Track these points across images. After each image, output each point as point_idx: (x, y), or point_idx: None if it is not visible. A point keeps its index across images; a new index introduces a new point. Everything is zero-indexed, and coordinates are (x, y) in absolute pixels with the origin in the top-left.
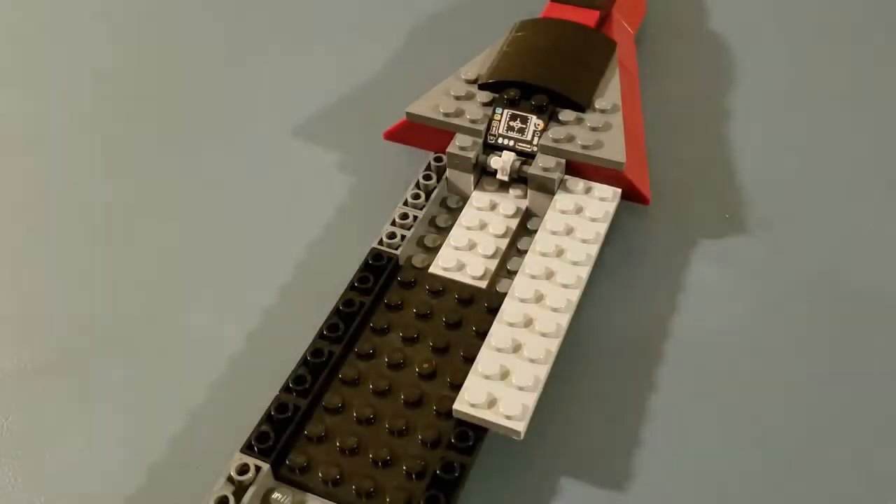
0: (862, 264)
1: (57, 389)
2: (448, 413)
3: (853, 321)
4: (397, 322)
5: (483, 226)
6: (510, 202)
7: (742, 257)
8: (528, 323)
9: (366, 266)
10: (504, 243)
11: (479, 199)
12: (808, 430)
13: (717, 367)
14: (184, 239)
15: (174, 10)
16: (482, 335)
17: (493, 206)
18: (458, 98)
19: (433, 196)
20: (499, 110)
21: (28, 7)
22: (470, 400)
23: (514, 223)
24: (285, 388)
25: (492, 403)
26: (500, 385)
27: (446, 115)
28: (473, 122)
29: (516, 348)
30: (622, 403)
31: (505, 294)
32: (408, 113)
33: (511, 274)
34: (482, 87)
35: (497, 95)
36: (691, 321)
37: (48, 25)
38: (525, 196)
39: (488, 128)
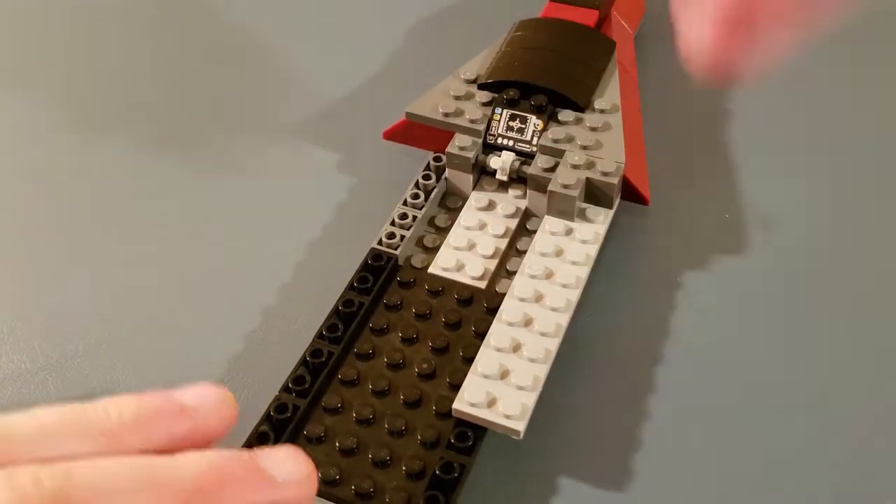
0: (862, 264)
1: (57, 390)
2: (447, 413)
3: (853, 321)
4: (396, 322)
5: (482, 226)
6: (509, 202)
7: (742, 257)
8: (528, 322)
9: (365, 266)
10: (503, 243)
11: (478, 199)
12: (808, 430)
13: (716, 367)
14: (183, 238)
15: (172, 11)
16: (481, 335)
17: (493, 206)
18: (457, 98)
19: (432, 196)
20: (498, 110)
21: (29, 6)
22: (469, 399)
23: (513, 223)
24: (285, 389)
25: (491, 403)
26: (500, 384)
27: (446, 114)
28: (473, 122)
29: (516, 348)
30: (622, 403)
31: (504, 294)
32: (407, 113)
33: (510, 274)
34: (481, 86)
35: (496, 95)
36: (691, 321)
37: (49, 25)
38: (524, 196)
39: (488, 128)
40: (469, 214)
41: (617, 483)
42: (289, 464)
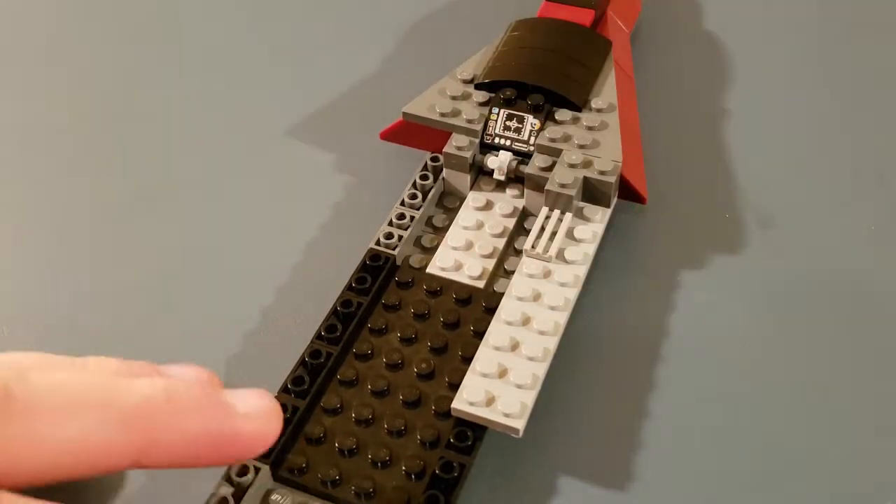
0: (862, 264)
1: None
2: (446, 413)
3: (853, 320)
4: (395, 322)
5: (480, 226)
6: (507, 202)
7: (741, 257)
8: (527, 321)
9: (363, 267)
10: (501, 243)
11: (475, 198)
12: (808, 430)
13: (716, 367)
14: (181, 240)
15: (171, 12)
16: (480, 335)
17: (490, 206)
18: (454, 98)
19: (430, 196)
20: (495, 110)
21: (25, 9)
22: (468, 398)
23: (511, 223)
24: (283, 390)
25: (490, 402)
26: (499, 383)
27: (443, 114)
28: (470, 121)
29: (514, 347)
30: (622, 403)
31: (502, 294)
32: (404, 113)
33: (508, 274)
34: (478, 86)
35: (493, 95)
36: (691, 321)
37: (46, 27)
38: (522, 196)
39: (485, 127)
40: (467, 214)
41: (617, 483)
42: (253, 398)
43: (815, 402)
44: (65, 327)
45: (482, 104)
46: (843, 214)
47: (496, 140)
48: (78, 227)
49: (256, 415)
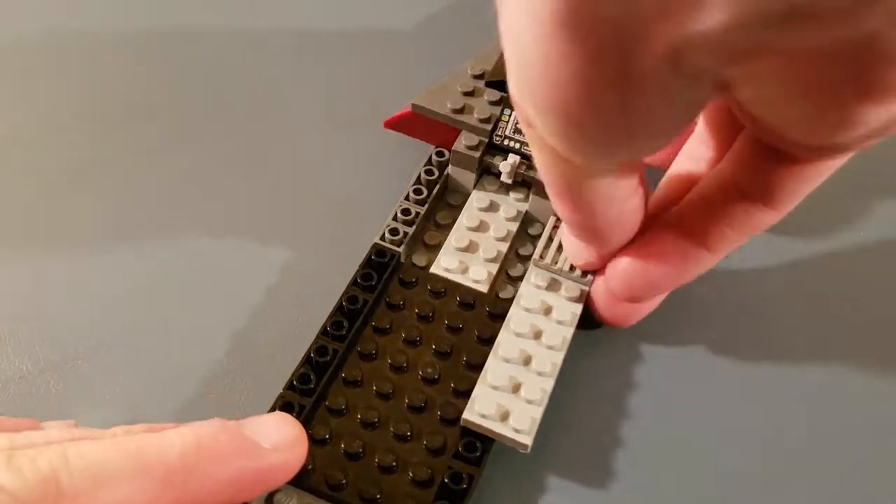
0: (862, 264)
1: (56, 391)
2: (453, 420)
3: (854, 320)
4: (399, 322)
5: (484, 227)
6: (510, 205)
7: (740, 257)
8: (536, 335)
9: (368, 262)
10: (504, 247)
11: (479, 198)
12: (808, 431)
13: (716, 368)
14: (183, 237)
15: (170, 11)
16: (485, 341)
17: (494, 207)
18: (465, 94)
19: (434, 192)
20: (507, 111)
21: (26, 7)
22: (480, 411)
23: (514, 226)
24: (289, 387)
25: (503, 416)
26: (510, 397)
27: (454, 110)
28: (480, 120)
29: (525, 360)
30: (622, 404)
31: (507, 300)
32: (413, 105)
33: (512, 279)
34: (489, 84)
35: (505, 94)
36: (690, 321)
37: (45, 27)
38: (526, 199)
39: (494, 128)
40: (471, 214)
41: (617, 483)
42: (275, 430)
43: (816, 401)
44: (64, 328)
45: (494, 103)
46: (843, 215)
47: (505, 142)
48: (79, 228)
49: (283, 445)
